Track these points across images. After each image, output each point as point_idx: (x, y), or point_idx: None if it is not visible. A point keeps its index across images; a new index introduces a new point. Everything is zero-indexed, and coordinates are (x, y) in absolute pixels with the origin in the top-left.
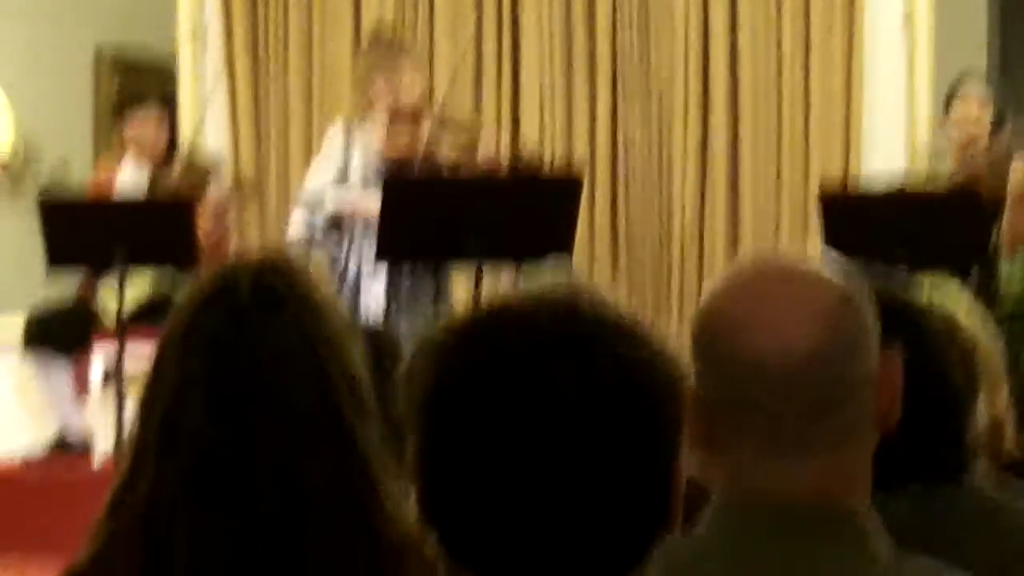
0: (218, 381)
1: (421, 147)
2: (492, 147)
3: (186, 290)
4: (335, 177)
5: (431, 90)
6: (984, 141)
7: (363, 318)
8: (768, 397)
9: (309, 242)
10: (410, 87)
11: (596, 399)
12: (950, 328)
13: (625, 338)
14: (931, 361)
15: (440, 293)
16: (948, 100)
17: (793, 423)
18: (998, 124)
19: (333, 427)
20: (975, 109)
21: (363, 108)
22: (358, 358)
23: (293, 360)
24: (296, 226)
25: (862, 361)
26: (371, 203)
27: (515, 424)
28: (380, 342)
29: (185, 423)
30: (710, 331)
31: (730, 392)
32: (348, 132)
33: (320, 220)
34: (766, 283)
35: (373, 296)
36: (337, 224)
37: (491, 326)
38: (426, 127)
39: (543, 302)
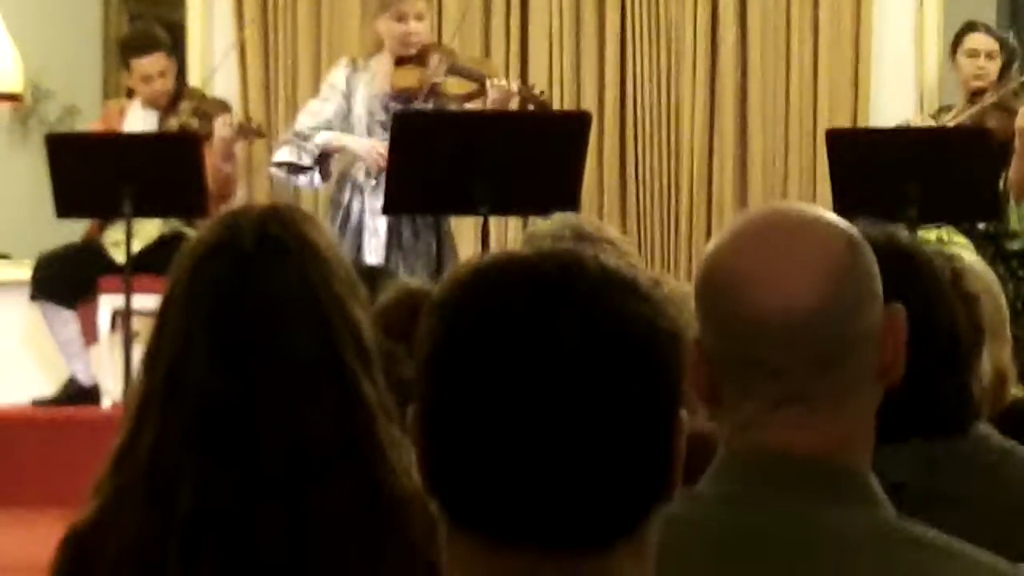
0: (222, 328)
1: (427, 85)
2: (501, 93)
3: (191, 239)
4: (335, 114)
5: (439, 35)
6: (991, 91)
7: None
8: (770, 352)
9: (291, 169)
10: (418, 24)
11: (597, 354)
12: (955, 276)
13: (627, 293)
14: (935, 310)
15: (441, 238)
16: (953, 49)
17: (795, 378)
18: (1006, 69)
19: (335, 376)
20: (981, 60)
21: (371, 44)
22: (361, 307)
23: (296, 308)
24: (283, 155)
25: (866, 316)
26: (358, 142)
27: (516, 378)
28: (378, 280)
29: (189, 372)
30: (713, 285)
31: (733, 347)
32: (352, 71)
33: (307, 157)
34: (769, 236)
35: (375, 240)
36: (321, 160)
37: (493, 280)
38: (433, 65)
39: (545, 256)
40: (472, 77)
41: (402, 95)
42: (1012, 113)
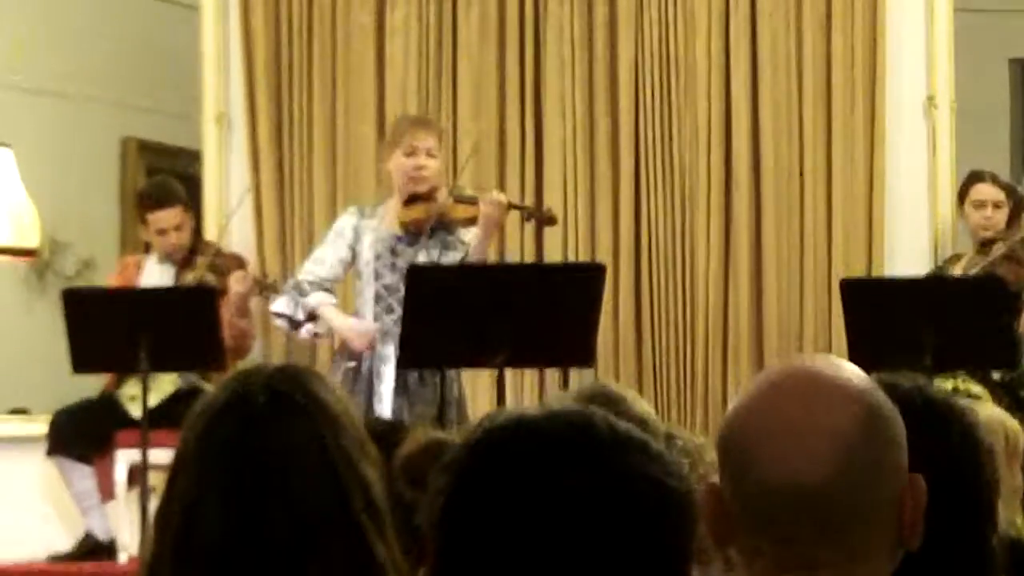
0: (233, 487)
1: (434, 213)
2: (491, 207)
3: (203, 396)
4: (338, 260)
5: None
6: (1001, 240)
7: (375, 411)
8: (778, 520)
9: (290, 322)
10: (429, 160)
11: (607, 513)
12: (973, 428)
13: (636, 452)
14: (960, 463)
15: (445, 384)
16: (960, 199)
17: (803, 546)
18: (1015, 217)
19: (346, 533)
20: (988, 211)
21: (381, 189)
22: (371, 466)
23: (307, 466)
24: (280, 305)
25: (881, 488)
26: (343, 323)
27: (525, 536)
28: (392, 435)
29: (200, 531)
30: (730, 443)
31: (745, 506)
32: (360, 219)
33: (301, 313)
34: (785, 404)
35: (384, 387)
36: (313, 317)
37: (503, 441)
38: (440, 199)
39: (555, 416)
40: (473, 202)
41: (411, 226)
42: (1022, 263)
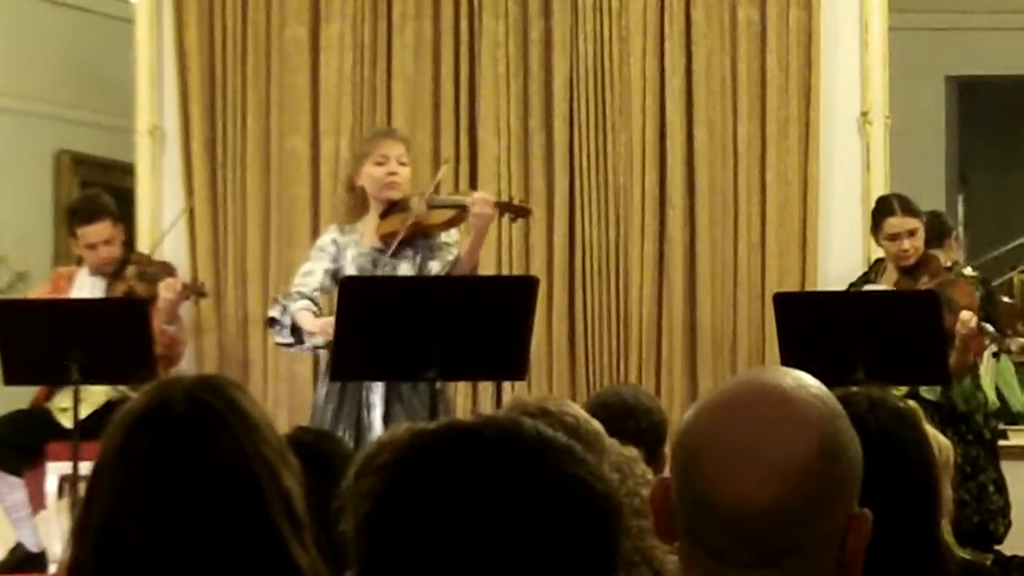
0: (153, 497)
1: (408, 223)
2: (482, 206)
3: (123, 406)
4: (324, 272)
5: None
6: (924, 265)
7: (367, 420)
8: (714, 535)
9: (293, 336)
10: (400, 167)
11: (534, 515)
12: (923, 433)
13: (563, 456)
14: (914, 467)
15: (437, 394)
16: (874, 231)
17: (736, 564)
18: (940, 238)
19: (267, 541)
20: (904, 243)
21: (350, 210)
22: (292, 475)
23: (227, 474)
24: (273, 311)
25: (823, 522)
26: (309, 322)
27: (455, 537)
28: (322, 444)
29: (121, 542)
30: (684, 447)
31: (688, 510)
32: (340, 234)
33: (287, 318)
34: (745, 420)
35: (375, 396)
36: (296, 330)
37: (433, 443)
38: (414, 206)
39: (486, 422)
40: (452, 205)
41: (387, 239)
42: (951, 309)
